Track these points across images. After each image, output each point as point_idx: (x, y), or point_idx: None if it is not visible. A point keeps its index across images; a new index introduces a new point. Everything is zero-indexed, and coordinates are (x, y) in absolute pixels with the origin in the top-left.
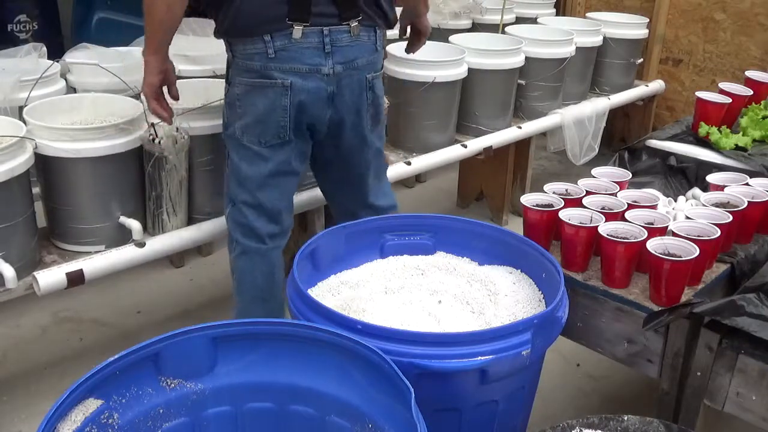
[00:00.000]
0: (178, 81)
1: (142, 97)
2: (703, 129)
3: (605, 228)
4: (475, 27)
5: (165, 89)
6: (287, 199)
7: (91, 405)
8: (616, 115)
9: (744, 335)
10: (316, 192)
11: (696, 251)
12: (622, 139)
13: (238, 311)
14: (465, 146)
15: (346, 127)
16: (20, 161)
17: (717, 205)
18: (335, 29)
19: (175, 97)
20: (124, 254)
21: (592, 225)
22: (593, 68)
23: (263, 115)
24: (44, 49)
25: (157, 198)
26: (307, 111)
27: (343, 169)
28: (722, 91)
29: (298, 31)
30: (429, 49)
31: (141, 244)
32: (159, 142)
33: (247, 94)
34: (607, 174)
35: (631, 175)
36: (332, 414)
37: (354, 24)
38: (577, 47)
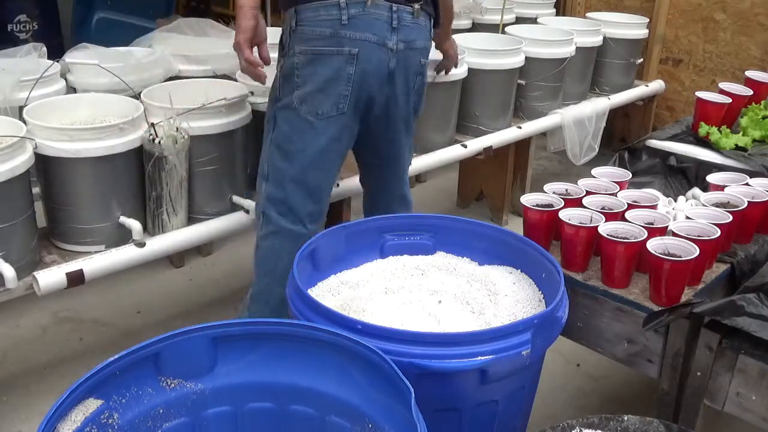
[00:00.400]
0: (177, 81)
1: (143, 96)
2: (703, 129)
3: (605, 228)
4: (475, 27)
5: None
6: (330, 180)
7: (91, 405)
8: (616, 115)
9: (744, 335)
10: None
11: (696, 251)
12: (622, 139)
13: (254, 291)
14: (465, 146)
15: (395, 110)
16: (20, 161)
17: (717, 205)
18: (402, 8)
19: (266, 60)
20: (124, 254)
21: (592, 225)
22: (593, 68)
23: (325, 83)
24: (44, 49)
25: (157, 198)
26: (369, 83)
27: (385, 158)
28: (722, 91)
29: (372, 0)
30: None
31: (141, 244)
32: (159, 142)
33: (310, 63)
34: (607, 174)
35: (631, 175)
36: (332, 414)
37: (417, 6)
38: (577, 47)
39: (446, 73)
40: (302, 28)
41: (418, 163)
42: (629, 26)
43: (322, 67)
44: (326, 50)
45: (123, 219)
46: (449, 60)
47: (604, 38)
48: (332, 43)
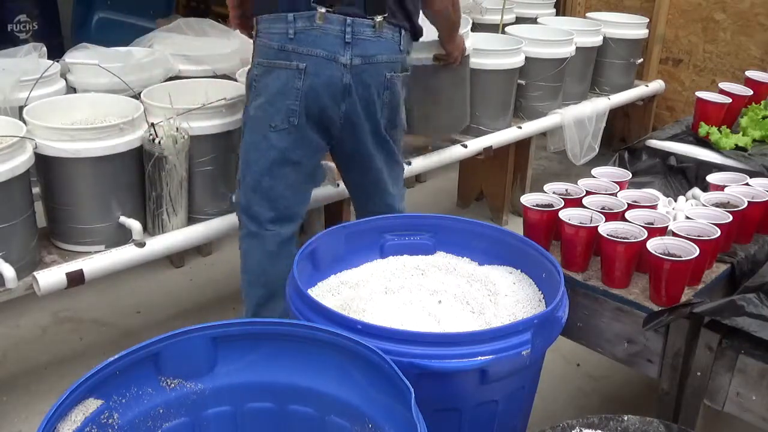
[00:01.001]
0: (177, 81)
1: (143, 96)
2: (703, 129)
3: (605, 228)
4: (475, 27)
5: None
6: (293, 189)
7: (91, 405)
8: (616, 115)
9: (744, 335)
10: (316, 192)
11: (696, 251)
12: (622, 139)
13: (241, 289)
14: (465, 146)
15: (360, 124)
16: (20, 161)
17: (717, 205)
18: (359, 21)
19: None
20: (124, 254)
21: (592, 225)
22: (593, 68)
23: (275, 96)
24: (44, 49)
25: (157, 198)
26: (320, 98)
27: (360, 171)
28: (722, 91)
29: (321, 14)
30: None
31: (141, 244)
32: (159, 142)
33: (263, 75)
34: (607, 174)
35: (631, 175)
36: (332, 414)
37: (379, 19)
38: (577, 47)
39: (442, 64)
40: (260, 39)
41: (418, 163)
42: (629, 26)
43: (273, 79)
44: (276, 63)
45: (123, 219)
46: (450, 58)
47: (604, 38)
48: (281, 56)
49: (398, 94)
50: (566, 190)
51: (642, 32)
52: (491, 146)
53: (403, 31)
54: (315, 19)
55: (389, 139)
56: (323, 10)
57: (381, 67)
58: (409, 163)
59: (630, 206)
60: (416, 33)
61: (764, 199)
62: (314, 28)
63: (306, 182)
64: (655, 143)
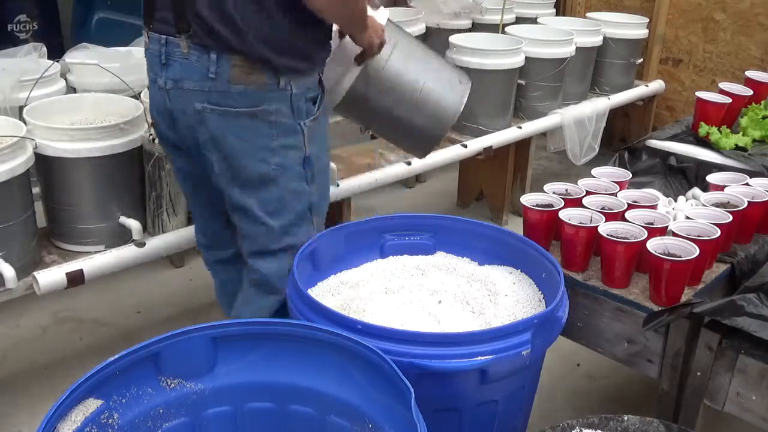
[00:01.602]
0: None
1: (143, 96)
2: (703, 129)
3: (605, 228)
4: (475, 27)
5: None
6: (205, 214)
7: (91, 405)
8: (616, 115)
9: (744, 335)
10: None
11: (696, 251)
12: (622, 139)
13: None
14: (465, 146)
15: (202, 160)
16: (20, 161)
17: (717, 205)
18: (172, 40)
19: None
20: (124, 254)
21: (592, 225)
22: (593, 68)
23: None
24: (44, 49)
25: (157, 198)
26: (159, 123)
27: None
28: (722, 91)
29: (145, 34)
30: None
31: (141, 244)
32: (159, 142)
33: None
34: (607, 174)
35: (631, 175)
36: (332, 414)
37: (183, 39)
38: (577, 47)
39: (359, 63)
40: None
41: (418, 163)
42: (629, 26)
43: None
44: None
45: (123, 219)
46: (373, 48)
47: (604, 38)
48: None
49: (224, 135)
50: (566, 190)
51: (642, 32)
52: (491, 146)
53: (213, 54)
54: (144, 38)
55: (238, 193)
56: (146, 32)
57: (190, 95)
58: (409, 163)
59: (630, 206)
60: (233, 50)
61: (764, 199)
62: (146, 49)
63: (213, 211)
64: (655, 143)
